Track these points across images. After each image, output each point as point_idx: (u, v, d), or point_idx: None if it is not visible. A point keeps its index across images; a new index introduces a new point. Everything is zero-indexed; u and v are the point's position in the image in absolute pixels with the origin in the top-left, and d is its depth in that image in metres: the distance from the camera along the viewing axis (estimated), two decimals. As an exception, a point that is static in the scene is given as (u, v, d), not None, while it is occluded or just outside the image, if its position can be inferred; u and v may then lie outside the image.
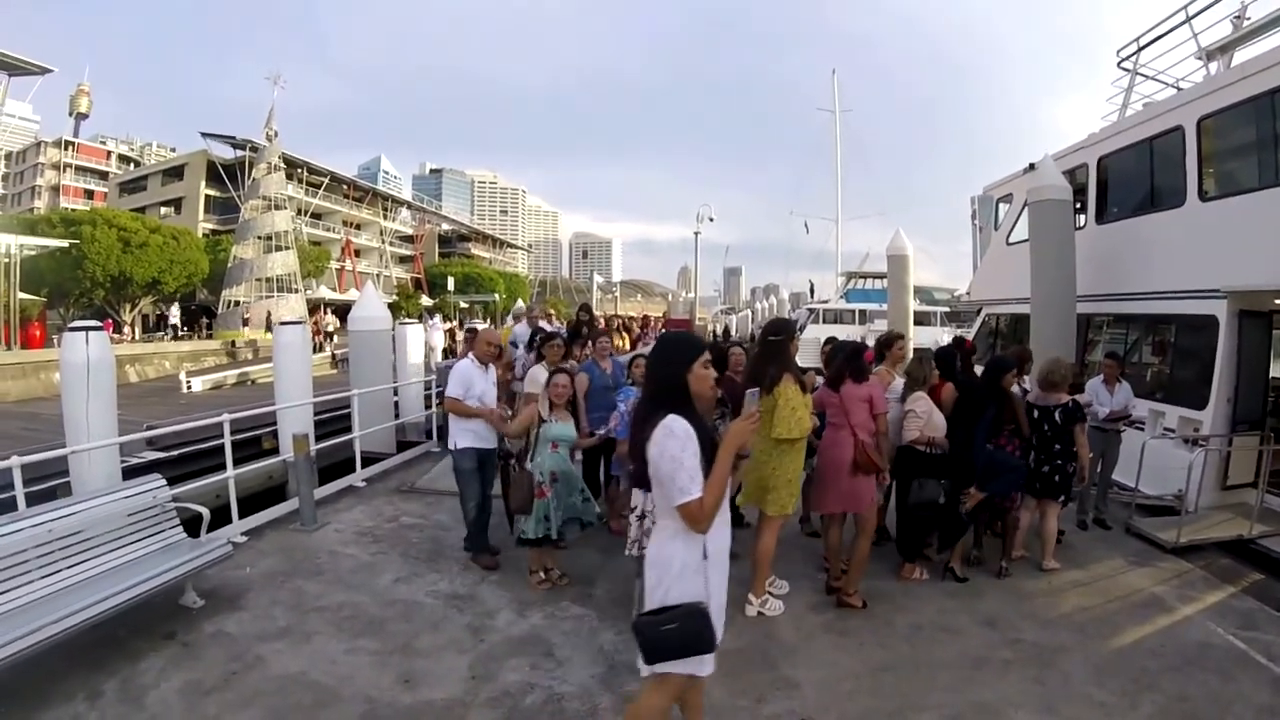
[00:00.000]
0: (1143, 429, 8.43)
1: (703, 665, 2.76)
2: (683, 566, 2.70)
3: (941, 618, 4.98)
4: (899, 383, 5.93)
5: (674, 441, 2.64)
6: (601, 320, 12.80)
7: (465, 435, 5.83)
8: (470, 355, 6.04)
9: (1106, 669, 4.33)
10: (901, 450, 5.60)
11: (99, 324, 6.96)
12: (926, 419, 5.45)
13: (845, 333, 8.53)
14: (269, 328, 35.54)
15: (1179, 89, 10.94)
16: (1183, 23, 10.57)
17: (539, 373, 6.11)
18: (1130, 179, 10.49)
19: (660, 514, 2.80)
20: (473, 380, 5.82)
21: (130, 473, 7.16)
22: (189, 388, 21.74)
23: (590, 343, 7.31)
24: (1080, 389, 6.93)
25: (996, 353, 10.23)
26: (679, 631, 2.64)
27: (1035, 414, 6.11)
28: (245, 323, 36.61)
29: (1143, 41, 11.61)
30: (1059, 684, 4.16)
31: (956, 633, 4.77)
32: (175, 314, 40.16)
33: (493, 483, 6.03)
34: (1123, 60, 12.04)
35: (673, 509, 2.65)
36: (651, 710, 2.87)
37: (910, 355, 6.60)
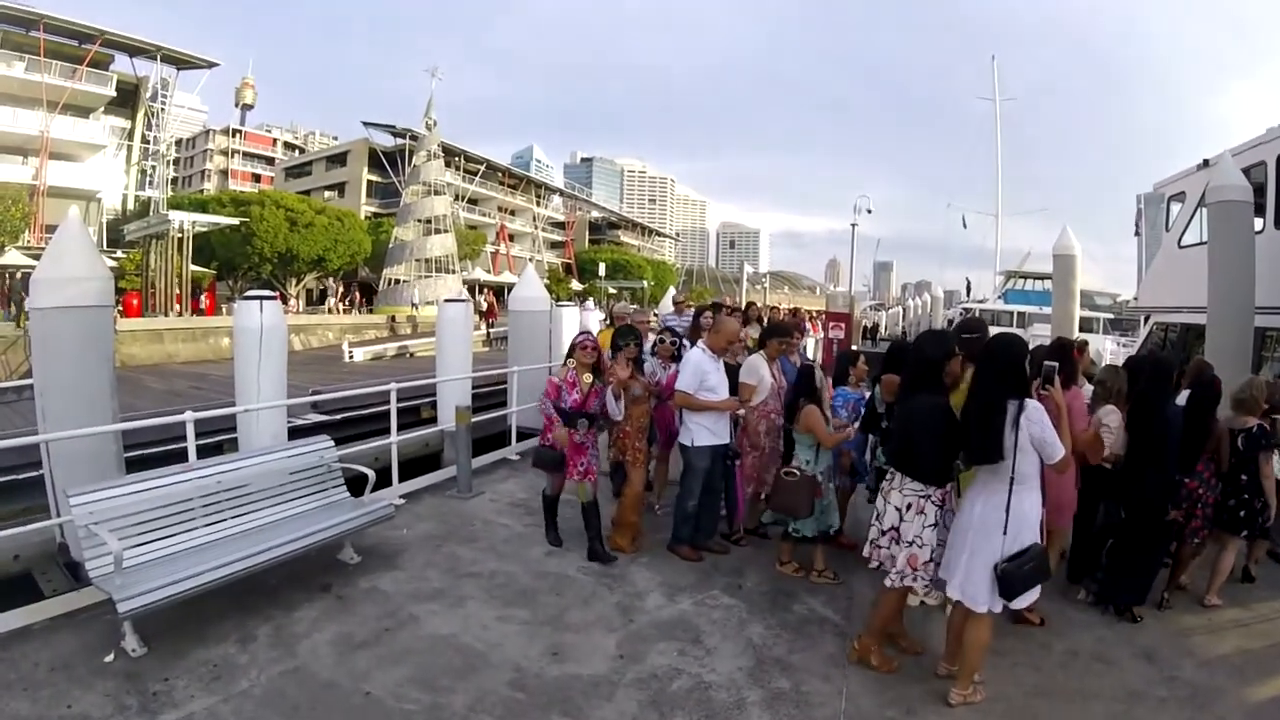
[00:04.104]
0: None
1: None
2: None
3: (1098, 646, 4.56)
4: (1087, 389, 5.42)
5: (1045, 415, 3.50)
6: (764, 312, 12.39)
7: (702, 432, 5.53)
8: (701, 344, 5.77)
9: (1263, 718, 3.88)
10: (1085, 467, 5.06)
11: (272, 294, 7.31)
12: (1117, 434, 4.90)
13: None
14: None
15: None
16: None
17: (759, 363, 5.79)
18: None
19: (1023, 478, 3.49)
20: (706, 372, 5.53)
21: (295, 433, 7.51)
22: (351, 357, 22.98)
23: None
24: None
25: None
26: (1036, 568, 3.51)
27: None
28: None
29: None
30: (1214, 728, 3.74)
31: (1112, 664, 4.36)
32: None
33: (719, 477, 5.78)
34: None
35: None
36: (988, 633, 3.63)
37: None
